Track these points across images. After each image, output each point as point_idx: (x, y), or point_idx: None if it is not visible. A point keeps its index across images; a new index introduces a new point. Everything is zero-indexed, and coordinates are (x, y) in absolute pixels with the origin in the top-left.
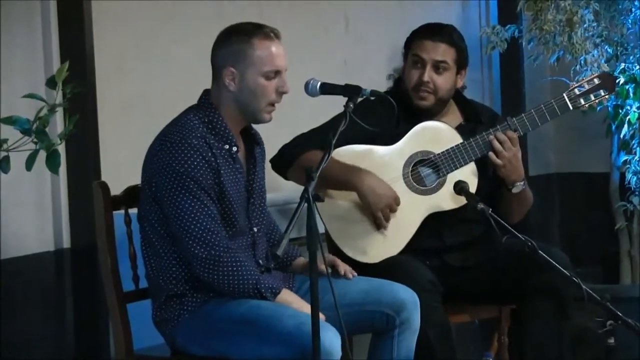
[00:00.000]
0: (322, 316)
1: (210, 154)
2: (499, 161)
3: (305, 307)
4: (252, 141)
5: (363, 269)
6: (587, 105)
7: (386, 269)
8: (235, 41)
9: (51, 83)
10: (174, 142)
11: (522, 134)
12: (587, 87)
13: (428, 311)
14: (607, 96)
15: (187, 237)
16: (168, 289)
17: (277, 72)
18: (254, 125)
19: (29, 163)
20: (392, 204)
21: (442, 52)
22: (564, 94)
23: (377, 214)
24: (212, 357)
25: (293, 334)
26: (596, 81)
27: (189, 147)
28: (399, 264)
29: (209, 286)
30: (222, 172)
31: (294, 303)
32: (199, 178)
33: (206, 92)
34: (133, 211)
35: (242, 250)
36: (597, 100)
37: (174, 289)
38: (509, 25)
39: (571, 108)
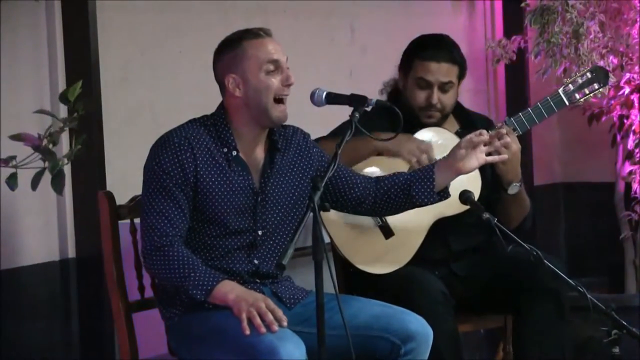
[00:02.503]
0: (284, 323)
1: (189, 154)
2: (505, 158)
3: (248, 295)
4: (274, 147)
5: (375, 280)
6: (582, 100)
7: (398, 281)
8: (228, 50)
9: (63, 98)
10: (156, 142)
11: (520, 132)
12: (580, 81)
13: (440, 323)
14: (601, 89)
15: (141, 228)
16: (162, 290)
17: (276, 65)
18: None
19: (34, 183)
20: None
21: (447, 72)
22: (559, 90)
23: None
24: None
25: (253, 346)
26: (589, 75)
27: (165, 145)
28: (412, 276)
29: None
30: (202, 172)
31: (230, 293)
32: (162, 175)
33: (222, 103)
34: (138, 221)
35: (233, 251)
36: (592, 94)
37: (166, 291)
38: (514, 37)
39: (567, 103)
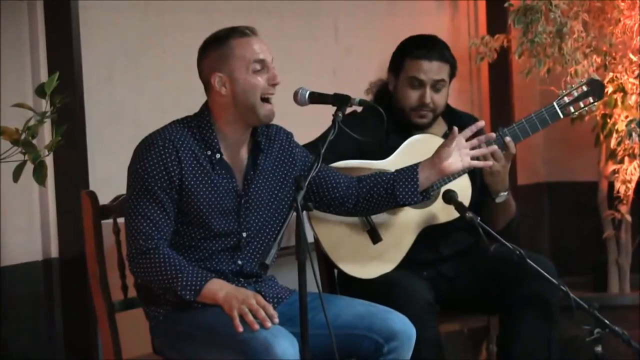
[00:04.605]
0: (275, 320)
1: (173, 157)
2: (489, 168)
3: (238, 292)
4: (258, 148)
5: (360, 285)
6: (577, 113)
7: (383, 287)
8: (214, 49)
9: (40, 92)
10: (140, 144)
11: (513, 144)
12: (576, 94)
13: (424, 331)
14: (595, 102)
15: (126, 232)
16: (146, 289)
17: (263, 64)
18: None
19: (16, 174)
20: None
21: (439, 70)
22: (554, 103)
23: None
24: None
25: (247, 343)
26: (585, 88)
27: (149, 148)
28: (397, 283)
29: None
30: (186, 175)
31: (219, 292)
32: (147, 178)
33: (206, 102)
34: (122, 220)
35: (217, 252)
36: (586, 108)
37: (150, 291)
38: (497, 36)
39: (562, 116)
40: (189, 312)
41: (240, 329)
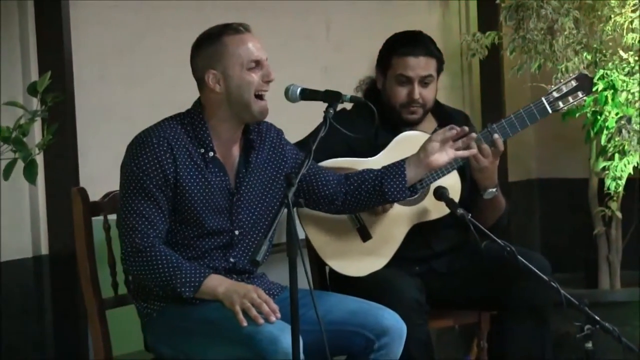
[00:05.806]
0: (278, 314)
1: (168, 155)
2: (477, 164)
3: (239, 287)
4: (250, 146)
5: (349, 282)
6: (565, 108)
7: (373, 286)
8: (208, 46)
9: (32, 90)
10: (134, 141)
11: (502, 139)
12: (565, 89)
13: (413, 331)
14: (585, 97)
15: (119, 230)
16: (138, 286)
17: (257, 61)
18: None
19: (7, 173)
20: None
21: (426, 65)
22: (543, 98)
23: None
24: (178, 358)
25: (251, 336)
26: (573, 83)
27: (143, 145)
28: (386, 282)
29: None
30: (181, 173)
31: (219, 287)
32: (142, 176)
33: (198, 99)
34: (112, 217)
35: (210, 250)
36: (575, 102)
37: (143, 287)
38: (489, 32)
39: (550, 112)
40: (185, 307)
41: (245, 323)
